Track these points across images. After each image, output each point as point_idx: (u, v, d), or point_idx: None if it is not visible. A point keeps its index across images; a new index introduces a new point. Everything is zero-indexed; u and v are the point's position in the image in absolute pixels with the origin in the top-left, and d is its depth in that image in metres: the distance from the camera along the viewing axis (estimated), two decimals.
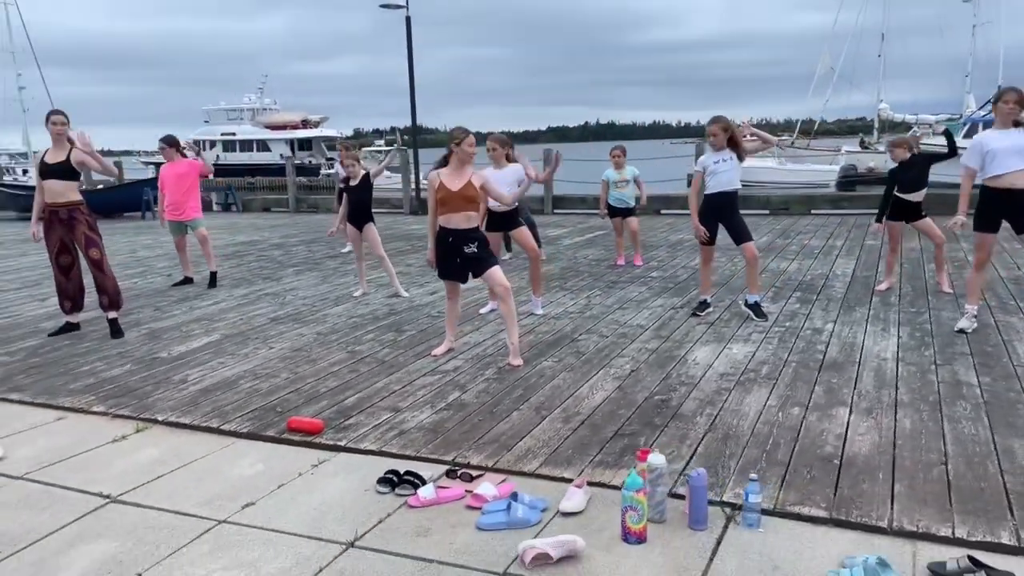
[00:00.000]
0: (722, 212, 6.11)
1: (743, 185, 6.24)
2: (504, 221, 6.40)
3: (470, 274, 5.20)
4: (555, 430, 3.98)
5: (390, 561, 2.84)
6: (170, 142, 8.45)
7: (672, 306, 6.68)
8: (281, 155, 51.32)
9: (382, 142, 62.24)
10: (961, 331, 5.46)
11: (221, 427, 4.25)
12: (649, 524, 2.96)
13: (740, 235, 6.09)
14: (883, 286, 7.02)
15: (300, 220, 16.48)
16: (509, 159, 6.42)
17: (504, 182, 6.08)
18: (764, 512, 3.05)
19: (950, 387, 4.40)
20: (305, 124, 57.97)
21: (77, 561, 2.93)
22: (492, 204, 6.17)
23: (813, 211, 14.18)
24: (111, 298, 6.45)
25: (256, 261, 10.37)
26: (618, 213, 9.05)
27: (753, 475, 3.05)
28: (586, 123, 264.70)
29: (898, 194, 6.86)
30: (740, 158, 6.00)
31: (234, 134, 58.37)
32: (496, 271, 5.13)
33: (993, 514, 2.96)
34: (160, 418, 4.43)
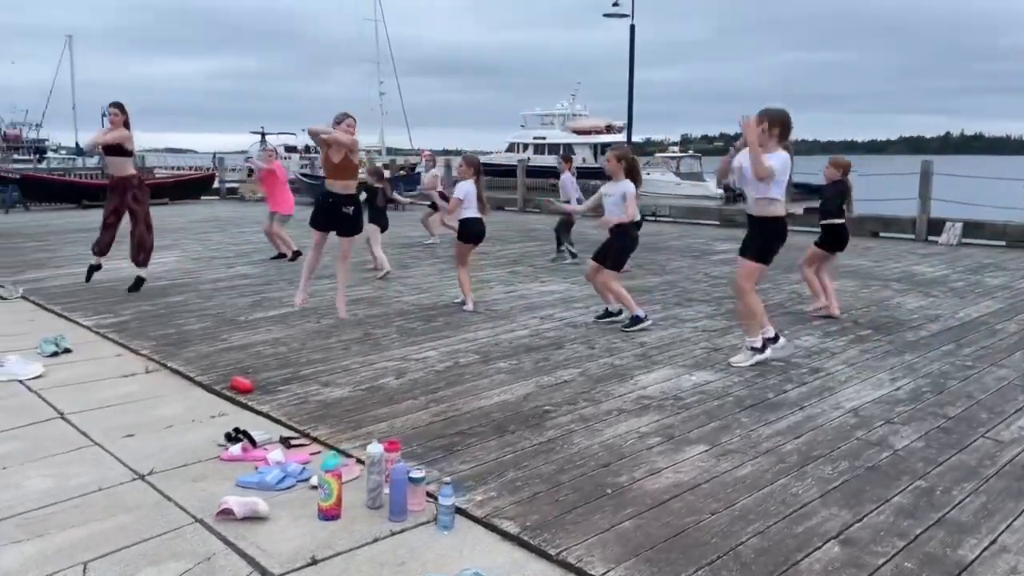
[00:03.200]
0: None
1: None
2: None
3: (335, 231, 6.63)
4: (418, 421, 4.24)
5: (147, 493, 3.41)
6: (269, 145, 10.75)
7: (708, 328, 6.32)
8: (584, 159, 54.07)
9: (676, 148, 62.80)
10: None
11: (195, 377, 5.13)
12: (367, 509, 3.20)
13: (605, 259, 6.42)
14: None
15: (514, 219, 17.47)
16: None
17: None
18: (472, 518, 3.11)
19: (864, 446, 3.81)
20: (609, 129, 60.04)
21: None
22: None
23: None
24: (141, 250, 8.13)
25: (421, 251, 11.47)
26: None
27: (446, 479, 3.12)
28: (947, 134, 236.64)
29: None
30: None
31: (544, 138, 62.37)
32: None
33: (681, 569, 2.71)
34: (170, 365, 5.45)
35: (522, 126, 68.11)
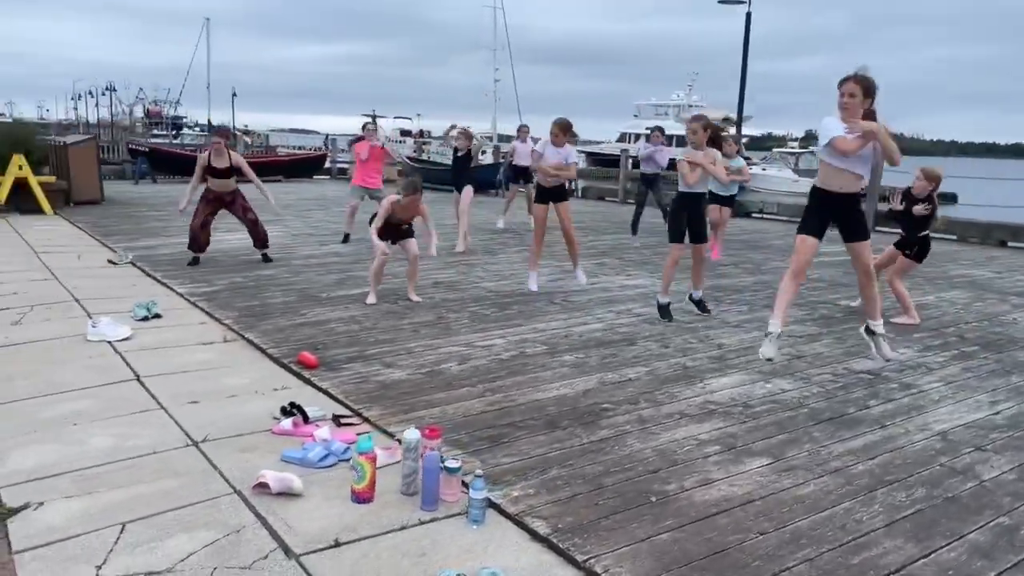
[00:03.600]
0: (689, 211, 6.35)
1: None
2: (553, 194, 7.41)
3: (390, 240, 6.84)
4: (471, 409, 4.16)
5: (197, 460, 3.49)
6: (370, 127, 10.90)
7: (795, 334, 5.94)
8: None
9: (796, 144, 60.78)
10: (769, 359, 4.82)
11: (267, 350, 5.24)
12: (401, 496, 3.16)
13: (696, 236, 6.39)
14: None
15: (614, 210, 17.16)
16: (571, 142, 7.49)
17: (556, 156, 7.28)
18: (505, 514, 3.01)
19: (947, 474, 3.45)
20: (726, 121, 58.56)
21: (61, 406, 4.11)
22: (542, 179, 7.37)
23: None
24: (262, 241, 8.88)
25: (511, 237, 11.42)
26: (716, 200, 9.21)
27: (479, 471, 3.02)
28: None
29: None
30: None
31: None
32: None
33: None
34: (247, 336, 5.60)
35: (635, 116, 67.10)
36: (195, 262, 8.52)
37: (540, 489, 3.22)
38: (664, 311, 6.39)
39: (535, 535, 2.88)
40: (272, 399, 4.30)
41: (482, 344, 5.46)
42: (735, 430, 3.95)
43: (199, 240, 8.61)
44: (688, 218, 6.32)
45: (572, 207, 7.69)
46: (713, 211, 9.07)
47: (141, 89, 74.14)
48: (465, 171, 10.72)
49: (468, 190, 10.37)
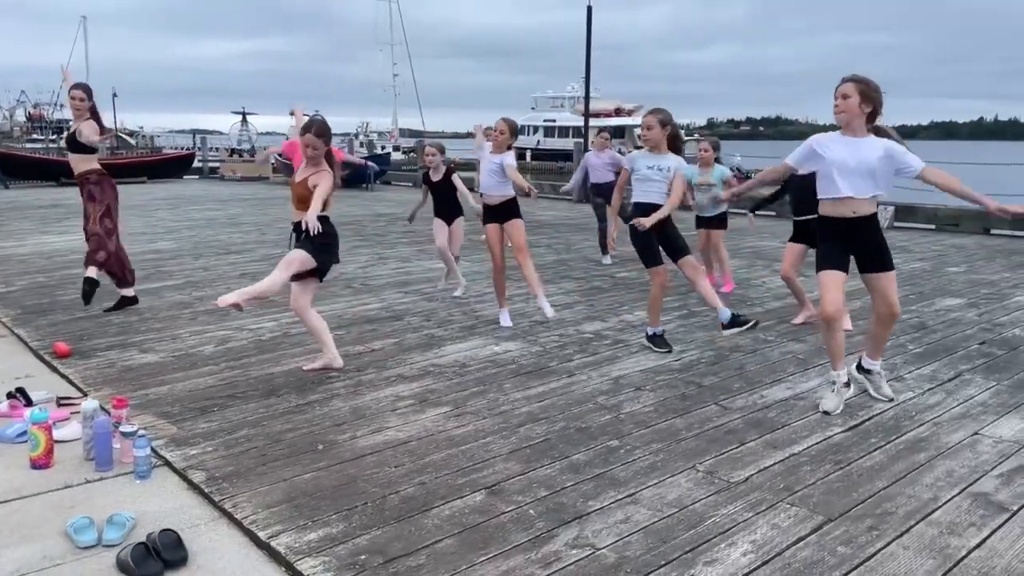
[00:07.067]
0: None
1: None
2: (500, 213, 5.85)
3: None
4: (200, 385, 4.45)
5: None
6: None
7: (554, 304, 6.49)
8: (591, 141, 54.09)
9: (695, 134, 62.96)
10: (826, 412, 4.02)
11: (31, 343, 5.37)
12: (85, 461, 3.44)
13: (676, 250, 5.13)
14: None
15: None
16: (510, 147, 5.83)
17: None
18: (174, 469, 3.33)
19: (593, 410, 3.99)
20: (618, 112, 60.11)
21: None
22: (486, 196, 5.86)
23: (992, 231, 11.77)
24: (89, 258, 6.29)
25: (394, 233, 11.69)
26: (701, 223, 7.15)
27: (141, 432, 3.35)
28: (980, 119, 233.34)
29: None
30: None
31: (554, 121, 62.36)
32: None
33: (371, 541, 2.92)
34: (17, 332, 5.69)
35: (532, 108, 68.17)
36: (89, 293, 6.15)
37: (220, 447, 3.57)
38: (659, 341, 5.15)
39: (191, 484, 3.23)
40: (9, 387, 4.47)
41: (252, 327, 5.76)
42: (437, 386, 4.39)
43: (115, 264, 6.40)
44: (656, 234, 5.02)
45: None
46: (700, 236, 7.15)
47: (23, 92, 70.55)
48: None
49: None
